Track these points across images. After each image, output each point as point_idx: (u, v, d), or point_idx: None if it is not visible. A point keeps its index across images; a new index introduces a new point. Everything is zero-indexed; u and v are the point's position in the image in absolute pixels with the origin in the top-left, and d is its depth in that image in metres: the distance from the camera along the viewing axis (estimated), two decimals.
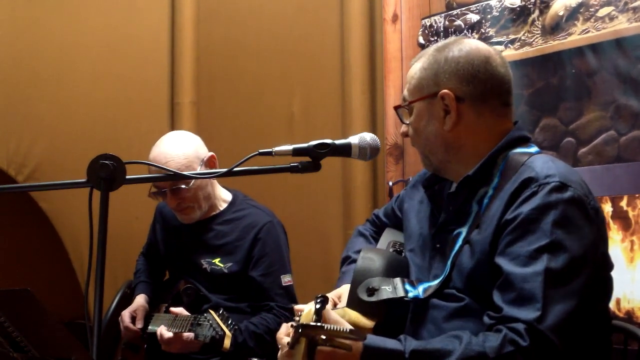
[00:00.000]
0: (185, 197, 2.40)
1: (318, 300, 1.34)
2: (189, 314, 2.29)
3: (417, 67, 1.64)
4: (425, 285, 1.60)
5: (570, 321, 1.38)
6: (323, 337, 1.27)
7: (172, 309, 2.33)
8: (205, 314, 2.23)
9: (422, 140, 1.64)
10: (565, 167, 1.54)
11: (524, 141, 1.62)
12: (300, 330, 1.26)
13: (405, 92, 1.66)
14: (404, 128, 1.70)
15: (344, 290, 1.75)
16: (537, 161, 1.53)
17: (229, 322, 2.22)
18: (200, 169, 2.40)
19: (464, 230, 1.56)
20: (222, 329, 2.18)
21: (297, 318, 1.39)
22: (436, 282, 1.57)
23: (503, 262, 1.44)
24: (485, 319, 1.43)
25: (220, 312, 2.24)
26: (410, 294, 1.60)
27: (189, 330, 2.21)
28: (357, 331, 1.25)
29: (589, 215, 1.46)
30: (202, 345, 2.24)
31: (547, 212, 1.42)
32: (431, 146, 1.63)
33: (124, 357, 2.60)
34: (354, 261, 1.86)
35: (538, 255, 1.40)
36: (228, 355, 2.30)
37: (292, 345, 1.35)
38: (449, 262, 1.56)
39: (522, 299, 1.38)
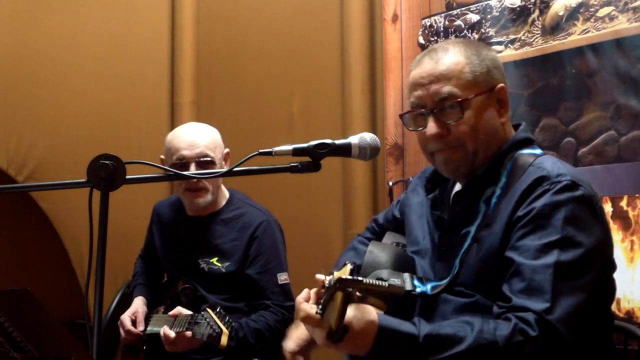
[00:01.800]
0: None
1: (351, 263, 1.32)
2: (187, 314, 2.29)
3: (458, 62, 1.60)
4: (434, 284, 1.61)
5: (578, 315, 1.40)
6: (359, 293, 1.23)
7: (170, 312, 2.33)
8: (202, 313, 2.23)
9: (481, 134, 1.60)
10: (572, 168, 1.58)
11: (529, 143, 1.65)
12: (338, 284, 1.20)
13: (453, 89, 1.58)
14: (437, 129, 1.59)
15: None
16: (546, 162, 1.56)
17: (226, 319, 2.22)
18: (221, 157, 2.47)
19: (472, 229, 1.58)
20: (219, 327, 2.18)
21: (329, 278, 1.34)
22: (444, 281, 1.58)
23: (514, 255, 1.46)
24: (495, 309, 1.44)
25: (218, 310, 2.25)
26: (418, 290, 1.60)
27: (187, 329, 2.21)
28: (397, 285, 1.23)
29: (597, 214, 1.50)
30: (202, 342, 2.24)
31: (558, 209, 1.45)
32: (490, 140, 1.62)
33: (124, 359, 2.60)
34: (352, 248, 1.89)
35: (548, 249, 1.42)
36: (229, 353, 2.30)
37: (326, 303, 1.27)
38: (457, 261, 1.57)
39: (532, 290, 1.40)
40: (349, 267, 1.33)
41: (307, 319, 1.35)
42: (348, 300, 1.23)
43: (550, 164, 1.55)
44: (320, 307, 1.29)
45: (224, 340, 2.18)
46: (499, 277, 1.47)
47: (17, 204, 3.67)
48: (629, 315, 2.31)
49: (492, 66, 1.64)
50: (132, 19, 3.70)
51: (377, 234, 2.00)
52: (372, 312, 1.36)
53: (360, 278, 1.23)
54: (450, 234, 1.63)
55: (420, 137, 1.66)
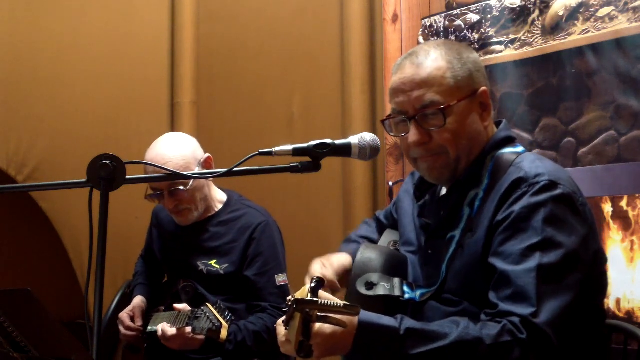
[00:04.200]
0: (183, 199, 2.40)
1: (314, 280, 1.35)
2: (187, 310, 2.30)
3: (439, 67, 1.58)
4: (423, 290, 1.61)
5: (565, 316, 1.39)
6: (318, 313, 1.27)
7: (175, 305, 2.34)
8: (202, 307, 2.24)
9: (463, 140, 1.58)
10: (553, 165, 1.56)
11: (510, 141, 1.64)
12: (294, 306, 1.26)
13: (435, 96, 1.56)
14: (419, 136, 1.58)
15: (336, 255, 1.77)
16: (525, 161, 1.55)
17: (226, 313, 2.23)
18: (197, 170, 2.40)
19: (457, 234, 1.57)
20: (218, 320, 2.19)
21: (290, 298, 1.40)
22: (432, 288, 1.58)
23: (496, 262, 1.45)
24: (482, 317, 1.44)
25: (217, 304, 2.25)
26: (407, 296, 1.60)
27: (187, 325, 2.21)
28: (352, 306, 1.25)
29: (579, 212, 1.48)
30: (201, 343, 2.24)
31: (537, 210, 1.44)
32: (472, 145, 1.60)
33: (124, 359, 2.60)
34: (355, 242, 1.88)
35: (530, 253, 1.42)
36: (228, 356, 2.30)
37: (287, 321, 1.35)
38: (443, 267, 1.57)
39: (517, 296, 1.39)
40: (307, 287, 1.35)
41: (280, 338, 1.45)
42: (308, 320, 1.28)
43: (529, 163, 1.53)
44: (284, 324, 1.37)
45: (223, 333, 2.18)
46: (485, 284, 1.47)
47: (17, 204, 3.67)
48: (629, 315, 2.31)
49: (474, 69, 1.61)
50: (132, 19, 3.70)
51: (379, 225, 2.00)
52: None
53: (315, 299, 1.26)
54: (436, 237, 1.63)
55: (403, 143, 1.64)
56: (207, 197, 2.51)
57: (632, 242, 2.32)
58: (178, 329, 2.22)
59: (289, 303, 1.31)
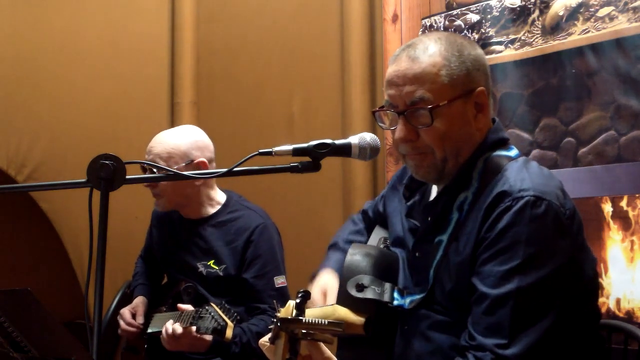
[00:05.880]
0: (156, 185, 2.43)
1: (299, 295, 1.34)
2: (191, 310, 2.29)
3: (435, 63, 1.52)
4: (413, 297, 1.58)
5: (543, 342, 1.37)
6: (304, 331, 1.27)
7: (179, 305, 2.33)
8: (206, 307, 2.23)
9: (451, 142, 1.53)
10: (539, 176, 1.50)
11: (503, 143, 1.59)
12: (279, 325, 1.27)
13: (426, 94, 1.51)
14: (406, 132, 1.54)
15: (329, 284, 1.72)
16: (511, 170, 1.50)
17: (231, 312, 2.22)
18: (182, 167, 2.39)
19: (444, 239, 1.54)
20: (223, 320, 2.18)
21: (277, 314, 1.39)
22: (420, 296, 1.56)
23: (476, 281, 1.43)
24: (462, 341, 1.43)
25: (222, 304, 2.25)
26: (396, 302, 1.58)
27: (191, 324, 2.21)
28: (337, 322, 1.26)
29: (563, 228, 1.43)
30: (208, 345, 2.24)
31: (519, 230, 1.40)
32: (460, 147, 1.55)
33: (124, 359, 2.60)
34: (342, 250, 1.82)
35: (509, 276, 1.39)
36: (233, 357, 2.30)
37: (273, 339, 1.36)
38: (431, 273, 1.54)
39: (491, 326, 1.38)
40: (292, 302, 1.35)
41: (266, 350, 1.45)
42: (294, 339, 1.29)
43: (515, 174, 1.48)
44: (270, 341, 1.39)
45: (228, 333, 2.18)
46: (470, 299, 1.45)
47: (17, 204, 3.67)
48: (629, 315, 2.31)
49: (473, 68, 1.54)
50: (133, 19, 3.71)
51: (366, 222, 1.97)
52: None
53: (299, 317, 1.27)
54: (424, 241, 1.60)
55: (393, 137, 1.60)
56: (192, 197, 2.49)
57: (632, 242, 2.32)
58: (184, 328, 2.22)
59: (274, 321, 1.32)
